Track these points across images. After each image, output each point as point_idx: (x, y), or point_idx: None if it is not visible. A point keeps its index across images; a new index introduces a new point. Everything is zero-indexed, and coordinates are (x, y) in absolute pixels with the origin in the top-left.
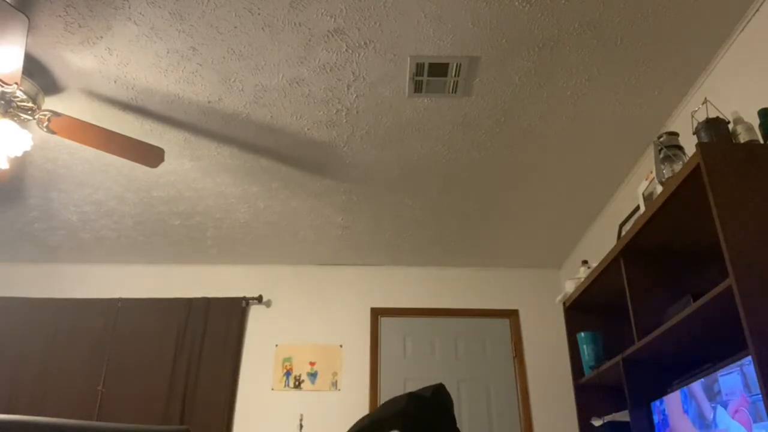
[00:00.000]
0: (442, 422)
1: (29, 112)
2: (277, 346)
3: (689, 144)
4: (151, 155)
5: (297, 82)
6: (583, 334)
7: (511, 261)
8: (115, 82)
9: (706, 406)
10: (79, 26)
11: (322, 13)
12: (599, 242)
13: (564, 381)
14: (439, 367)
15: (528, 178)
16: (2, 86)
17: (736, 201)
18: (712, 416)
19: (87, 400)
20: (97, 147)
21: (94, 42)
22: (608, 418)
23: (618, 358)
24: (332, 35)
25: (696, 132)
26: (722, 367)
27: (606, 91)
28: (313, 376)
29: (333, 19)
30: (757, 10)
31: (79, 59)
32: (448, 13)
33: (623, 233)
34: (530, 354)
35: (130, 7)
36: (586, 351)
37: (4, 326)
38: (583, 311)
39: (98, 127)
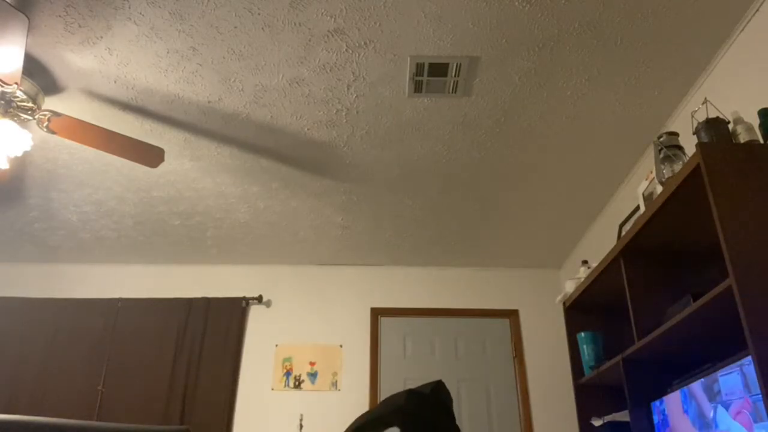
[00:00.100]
0: (441, 419)
1: (29, 112)
2: (277, 346)
3: (689, 144)
4: (151, 155)
5: (297, 82)
6: (583, 334)
7: (511, 261)
8: (115, 82)
9: (706, 406)
10: (79, 26)
11: (322, 13)
12: (599, 242)
13: (564, 381)
14: (439, 367)
15: (528, 178)
16: (2, 86)
17: (736, 201)
18: (712, 416)
19: (87, 400)
20: (97, 147)
21: (94, 42)
22: (608, 418)
23: (618, 358)
24: (332, 35)
25: (696, 132)
26: (722, 367)
27: (606, 91)
28: (313, 376)
29: (333, 19)
30: (757, 10)
31: (79, 59)
32: (448, 13)
33: (623, 233)
34: (530, 354)
35: (130, 7)
36: (586, 351)
37: (4, 326)
38: (583, 311)
39: (98, 127)
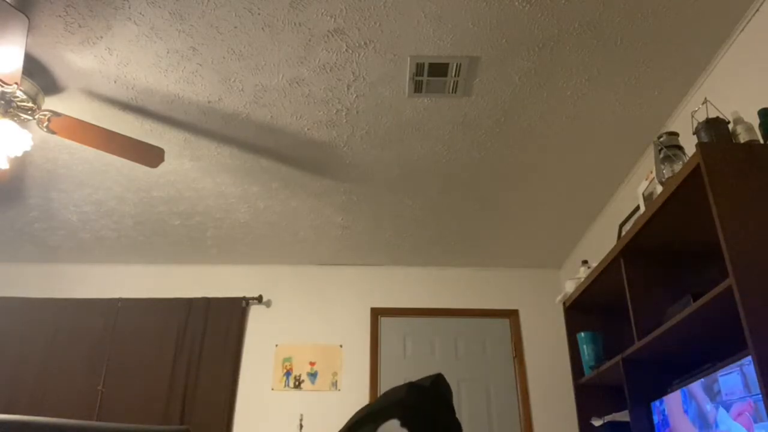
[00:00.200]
0: (442, 412)
1: (29, 112)
2: (277, 346)
3: (689, 144)
4: (151, 155)
5: (297, 82)
6: (583, 334)
7: (511, 261)
8: (115, 82)
9: (706, 406)
10: (79, 26)
11: (322, 13)
12: (599, 242)
13: (564, 381)
14: (439, 367)
15: (528, 178)
16: (2, 86)
17: (736, 201)
18: (712, 416)
19: (87, 400)
20: (97, 147)
21: (94, 42)
22: (608, 418)
23: (618, 358)
24: (332, 35)
25: (696, 132)
26: (722, 367)
27: (606, 91)
28: (313, 376)
29: (333, 19)
30: (757, 10)
31: (79, 59)
32: (448, 13)
33: (623, 233)
34: (530, 354)
35: (130, 7)
36: (586, 351)
37: (4, 326)
38: (583, 311)
39: (98, 127)
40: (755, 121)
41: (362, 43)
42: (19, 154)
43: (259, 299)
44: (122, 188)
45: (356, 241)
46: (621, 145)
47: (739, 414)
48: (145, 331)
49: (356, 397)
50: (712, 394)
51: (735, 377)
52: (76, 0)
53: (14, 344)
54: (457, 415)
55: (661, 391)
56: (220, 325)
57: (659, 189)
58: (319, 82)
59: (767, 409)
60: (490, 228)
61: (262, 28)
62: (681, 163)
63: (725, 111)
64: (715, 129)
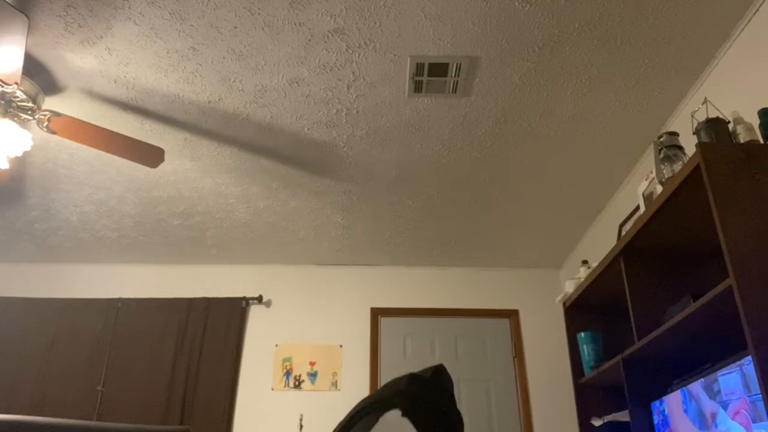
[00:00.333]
0: (443, 402)
1: (29, 112)
2: (277, 346)
3: (689, 144)
4: (151, 155)
5: (297, 82)
6: (583, 334)
7: (511, 261)
8: (115, 82)
9: (706, 406)
10: (79, 26)
11: (322, 13)
12: (599, 242)
13: (564, 381)
14: None
15: (528, 178)
16: (2, 86)
17: (736, 201)
18: (712, 416)
19: (87, 400)
20: (97, 147)
21: (94, 42)
22: (608, 418)
23: (618, 358)
24: (332, 35)
25: (696, 132)
26: (722, 367)
27: (606, 91)
28: (313, 376)
29: (333, 19)
30: (757, 10)
31: (79, 59)
32: (448, 13)
33: (623, 233)
34: (530, 354)
35: (130, 7)
36: (586, 351)
37: (4, 326)
38: (583, 311)
39: (98, 127)
40: (755, 121)
41: (362, 43)
42: (19, 154)
43: (259, 299)
44: (122, 188)
45: (356, 241)
46: (621, 145)
47: (738, 414)
48: (145, 331)
49: (356, 397)
50: (712, 394)
51: (735, 377)
52: (76, 0)
53: (14, 344)
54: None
55: (661, 391)
56: (220, 325)
57: (659, 189)
58: (319, 82)
59: (767, 409)
60: (490, 228)
61: (262, 28)
62: (681, 163)
63: (725, 111)
64: (715, 129)
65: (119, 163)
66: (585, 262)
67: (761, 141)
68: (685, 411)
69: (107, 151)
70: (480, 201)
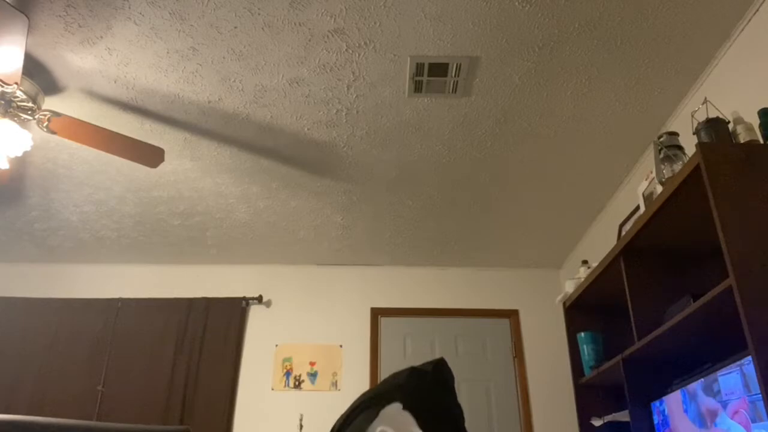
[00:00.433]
0: (444, 396)
1: (29, 112)
2: (277, 346)
3: (689, 144)
4: (151, 155)
5: (297, 82)
6: (583, 334)
7: (511, 261)
8: (115, 82)
9: (705, 406)
10: (79, 26)
11: (322, 13)
12: (599, 242)
13: (564, 381)
14: None
15: (528, 178)
16: (2, 86)
17: (736, 201)
18: (711, 416)
19: (87, 400)
20: (97, 147)
21: (94, 42)
22: (608, 418)
23: (618, 358)
24: (332, 35)
25: (696, 132)
26: (722, 367)
27: (606, 91)
28: (313, 376)
29: (333, 19)
30: (757, 10)
31: (79, 59)
32: (448, 13)
33: (623, 233)
34: (530, 354)
35: (130, 7)
36: (586, 351)
37: (4, 326)
38: (583, 311)
39: (98, 127)
40: (755, 121)
41: (362, 43)
42: (19, 154)
43: (259, 299)
44: (122, 188)
45: (356, 241)
46: (621, 145)
47: (738, 414)
48: (145, 331)
49: (356, 397)
50: (712, 394)
51: (735, 377)
52: (76, 0)
53: (14, 344)
54: None
55: (661, 391)
56: (220, 325)
57: (659, 189)
58: (319, 82)
59: (767, 409)
60: (490, 228)
61: (262, 28)
62: (681, 163)
63: (725, 111)
64: (715, 129)
65: (119, 163)
66: (585, 262)
67: (761, 141)
68: (685, 411)
69: (107, 151)
70: (480, 201)
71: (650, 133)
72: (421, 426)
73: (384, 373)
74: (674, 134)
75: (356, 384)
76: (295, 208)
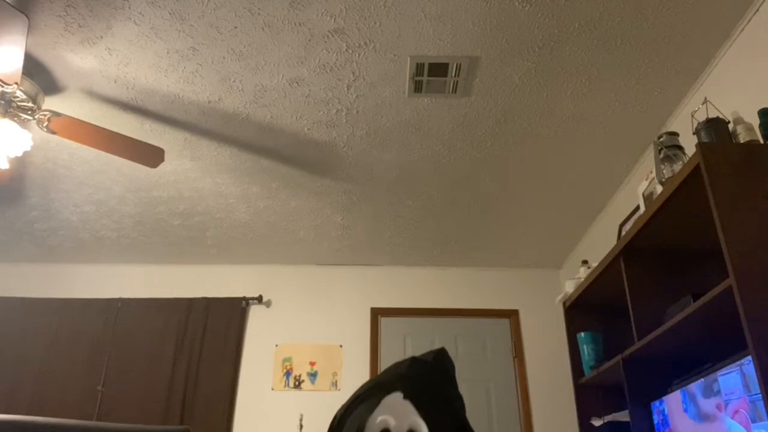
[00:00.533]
0: (445, 385)
1: (29, 112)
2: (277, 346)
3: (689, 144)
4: (151, 155)
5: (297, 82)
6: (583, 334)
7: (511, 261)
8: (115, 82)
9: (705, 406)
10: (79, 26)
11: (322, 13)
12: (599, 242)
13: (564, 381)
14: None
15: (528, 178)
16: (2, 86)
17: (736, 201)
18: (711, 416)
19: (87, 400)
20: (97, 147)
21: (94, 42)
22: (608, 418)
23: (618, 358)
24: (332, 35)
25: (696, 132)
26: (722, 367)
27: (606, 92)
28: (313, 376)
29: (333, 19)
30: (757, 10)
31: (79, 59)
32: (448, 13)
33: (623, 233)
34: (530, 354)
35: (130, 7)
36: (586, 351)
37: (4, 326)
38: (583, 311)
39: (98, 127)
40: (755, 121)
41: (362, 43)
42: (19, 154)
43: (259, 299)
44: (122, 188)
45: (356, 241)
46: (621, 145)
47: (738, 413)
48: (145, 331)
49: None
50: (712, 394)
51: (735, 377)
52: (76, 0)
53: (14, 344)
54: None
55: (661, 391)
56: (220, 325)
57: (659, 189)
58: (319, 82)
59: (767, 409)
60: (490, 228)
61: (262, 28)
62: (681, 163)
63: (725, 111)
64: (715, 129)
65: (119, 163)
66: (585, 262)
67: (761, 141)
68: (685, 410)
69: (107, 151)
70: (480, 201)
71: (650, 133)
72: (422, 415)
73: None
74: (674, 134)
75: (356, 384)
76: (295, 208)
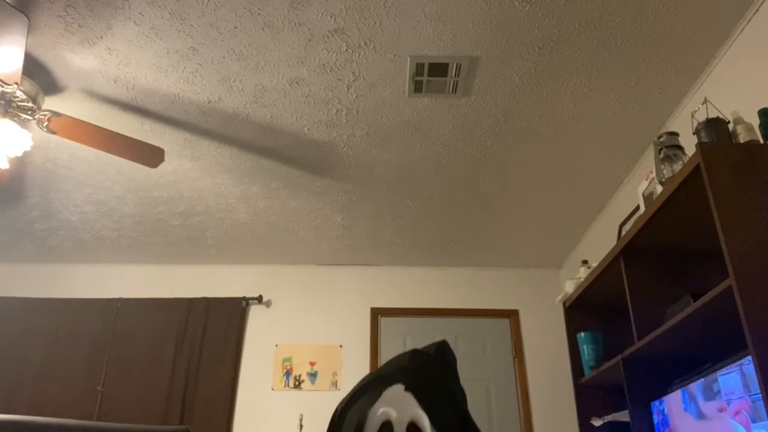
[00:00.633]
0: (446, 378)
1: (29, 112)
2: (277, 346)
3: (689, 144)
4: (151, 155)
5: (297, 82)
6: (583, 334)
7: (511, 261)
8: (115, 82)
9: (705, 406)
10: (79, 26)
11: (322, 13)
12: (599, 242)
13: (564, 381)
14: None
15: (528, 178)
16: (2, 86)
17: (736, 201)
18: (711, 416)
19: (87, 400)
20: (97, 147)
21: (94, 42)
22: (608, 418)
23: (618, 358)
24: (332, 35)
25: (696, 132)
26: (722, 367)
27: (606, 92)
28: (313, 376)
29: (333, 19)
30: (757, 10)
31: (79, 59)
32: (448, 13)
33: (623, 233)
34: (530, 354)
35: (130, 7)
36: (586, 351)
37: (4, 326)
38: (583, 311)
39: (98, 127)
40: (755, 121)
41: (362, 43)
42: (19, 154)
43: (259, 299)
44: (122, 188)
45: (356, 241)
46: (621, 145)
47: (738, 414)
48: (145, 331)
49: None
50: (712, 394)
51: (735, 377)
52: (76, 0)
53: (14, 344)
54: None
55: (661, 391)
56: (220, 325)
57: (659, 189)
58: (319, 82)
59: (767, 409)
60: (490, 228)
61: (262, 28)
62: (681, 163)
63: (725, 111)
64: (715, 129)
65: (119, 163)
66: (585, 262)
67: (761, 141)
68: (685, 410)
69: (107, 151)
70: (480, 201)
71: (650, 133)
72: (423, 407)
73: None
74: (674, 134)
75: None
76: (295, 208)
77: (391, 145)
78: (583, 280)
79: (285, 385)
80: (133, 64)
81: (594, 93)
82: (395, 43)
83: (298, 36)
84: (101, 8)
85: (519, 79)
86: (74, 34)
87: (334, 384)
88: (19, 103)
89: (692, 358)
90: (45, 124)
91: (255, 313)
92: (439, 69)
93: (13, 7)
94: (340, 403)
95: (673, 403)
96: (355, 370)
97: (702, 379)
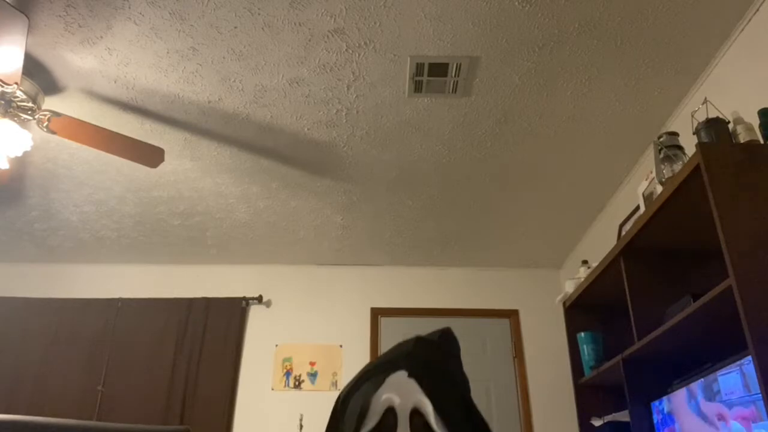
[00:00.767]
0: (450, 364)
1: (29, 112)
2: (277, 346)
3: (689, 144)
4: (151, 155)
5: (297, 82)
6: (583, 334)
7: (511, 261)
8: (115, 82)
9: (705, 406)
10: (79, 26)
11: (322, 13)
12: (599, 242)
13: (564, 381)
14: None
15: (528, 178)
16: (2, 86)
17: (736, 201)
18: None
19: (87, 400)
20: (97, 147)
21: (94, 42)
22: (608, 418)
23: (618, 358)
24: (332, 35)
25: (696, 132)
26: (722, 367)
27: (606, 92)
28: (313, 376)
29: (333, 19)
30: (757, 10)
31: (79, 59)
32: (448, 13)
33: (623, 233)
34: (530, 354)
35: (130, 7)
36: (586, 351)
37: (4, 326)
38: (583, 311)
39: (98, 127)
40: (755, 121)
41: (362, 43)
42: (19, 154)
43: (259, 299)
44: (122, 188)
45: (356, 241)
46: (621, 145)
47: (738, 414)
48: (145, 331)
49: None
50: (712, 394)
51: (735, 377)
52: (76, 0)
53: (14, 344)
54: None
55: (661, 391)
56: (220, 325)
57: (659, 189)
58: (319, 82)
59: (767, 409)
60: (490, 228)
61: (262, 28)
62: (681, 163)
63: (725, 111)
64: (715, 129)
65: (119, 163)
66: (585, 262)
67: (761, 141)
68: (689, 409)
69: (107, 151)
70: (480, 201)
71: (650, 133)
72: (426, 393)
73: None
74: (674, 134)
75: None
76: (295, 208)
77: (391, 145)
78: (583, 280)
79: (285, 385)
80: (133, 64)
81: (594, 93)
82: (395, 43)
83: (298, 36)
84: (101, 8)
85: (519, 79)
86: (74, 34)
87: (334, 384)
88: (19, 103)
89: (692, 358)
90: (45, 124)
91: (255, 313)
92: (439, 69)
93: (13, 7)
94: (343, 390)
95: (678, 400)
96: (355, 370)
97: (702, 379)
